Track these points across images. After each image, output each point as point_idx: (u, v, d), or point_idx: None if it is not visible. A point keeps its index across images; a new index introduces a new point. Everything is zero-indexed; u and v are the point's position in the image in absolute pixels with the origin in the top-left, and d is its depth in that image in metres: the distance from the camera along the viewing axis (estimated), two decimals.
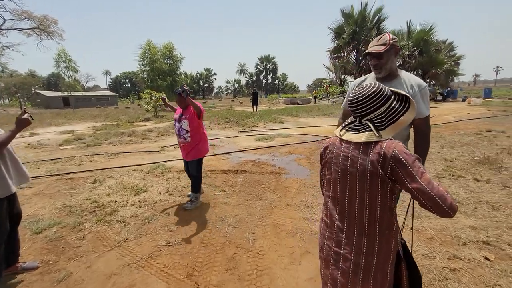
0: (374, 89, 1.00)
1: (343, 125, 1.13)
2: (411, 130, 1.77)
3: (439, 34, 24.45)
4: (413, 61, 23.07)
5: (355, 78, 24.83)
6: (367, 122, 1.02)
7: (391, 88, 1.02)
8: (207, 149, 3.42)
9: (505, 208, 3.00)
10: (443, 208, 0.88)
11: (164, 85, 24.04)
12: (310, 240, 2.49)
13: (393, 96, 1.00)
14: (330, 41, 25.03)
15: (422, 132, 1.71)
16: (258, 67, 77.60)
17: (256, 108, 18.28)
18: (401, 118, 0.97)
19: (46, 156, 6.13)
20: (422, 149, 1.71)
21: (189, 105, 3.15)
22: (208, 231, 2.70)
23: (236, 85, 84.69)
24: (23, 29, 25.29)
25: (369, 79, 1.89)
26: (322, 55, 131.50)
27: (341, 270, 1.11)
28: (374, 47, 1.66)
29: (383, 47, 1.65)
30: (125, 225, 2.87)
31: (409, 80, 1.71)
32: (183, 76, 28.59)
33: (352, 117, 1.10)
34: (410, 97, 0.96)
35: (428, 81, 22.41)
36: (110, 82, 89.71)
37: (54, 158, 5.80)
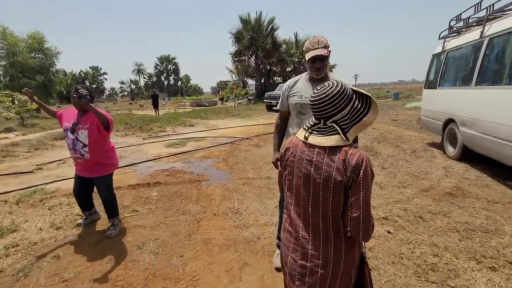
0: (338, 88, 0.93)
1: (306, 126, 1.02)
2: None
3: None
4: (302, 67, 26.70)
5: (256, 81, 26.74)
6: (333, 124, 0.94)
7: (351, 87, 0.98)
8: (117, 161, 2.81)
9: (388, 186, 3.73)
10: (362, 229, 0.91)
11: (33, 85, 18.72)
12: (246, 250, 2.35)
13: (354, 96, 0.96)
14: (232, 45, 25.94)
15: None
16: (158, 67, 72.08)
17: (158, 111, 16.93)
18: (364, 119, 0.94)
19: None
20: None
21: (89, 111, 2.45)
22: (122, 268, 2.15)
23: (134, 86, 76.13)
24: None
25: (302, 81, 1.90)
26: (225, 58, 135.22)
27: (308, 284, 1.01)
28: (318, 50, 1.67)
29: (326, 50, 1.68)
30: None
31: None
32: (61, 75, 23.25)
33: (313, 119, 1.00)
34: (371, 96, 0.93)
35: None
36: None
37: None
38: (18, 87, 17.44)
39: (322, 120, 0.96)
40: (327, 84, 0.96)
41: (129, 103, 39.43)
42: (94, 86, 70.87)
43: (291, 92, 1.91)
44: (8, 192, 3.79)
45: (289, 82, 1.97)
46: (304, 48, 1.77)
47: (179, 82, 78.36)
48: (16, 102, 12.31)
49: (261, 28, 24.88)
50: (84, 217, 2.86)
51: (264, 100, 16.64)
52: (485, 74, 4.02)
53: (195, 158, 5.58)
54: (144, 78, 75.53)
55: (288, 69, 27.91)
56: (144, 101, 39.52)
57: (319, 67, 1.71)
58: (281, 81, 27.78)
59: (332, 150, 0.93)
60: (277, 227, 2.32)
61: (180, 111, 18.67)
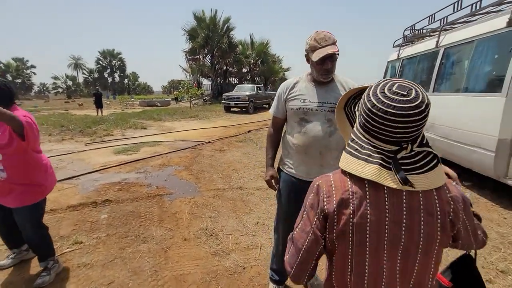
0: (426, 99, 0.60)
1: (380, 161, 0.62)
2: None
3: (274, 48, 29.93)
4: (258, 69, 26.89)
5: (212, 81, 25.95)
6: (426, 149, 0.62)
7: None
8: (50, 185, 2.05)
9: None
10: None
11: None
12: (230, 285, 1.94)
13: None
14: (185, 42, 24.68)
15: None
16: (100, 62, 65.05)
17: (101, 111, 15.10)
18: None
19: None
20: None
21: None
22: None
23: (71, 83, 67.39)
24: None
25: (303, 82, 1.57)
26: (177, 56, 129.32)
27: None
28: (328, 47, 1.36)
29: (336, 47, 1.38)
30: None
31: (347, 83, 1.52)
32: None
33: (387, 145, 0.63)
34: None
35: (269, 86, 26.81)
36: None
37: None
38: None
39: (410, 144, 0.62)
40: (407, 93, 0.60)
41: (65, 102, 34.64)
42: (18, 80, 60.68)
43: (291, 95, 1.58)
44: None
45: (287, 83, 1.64)
46: (307, 47, 1.45)
47: (126, 79, 72.29)
48: None
49: (217, 27, 24.18)
50: (11, 256, 2.14)
51: (222, 101, 16.13)
52: (441, 82, 4.29)
53: (152, 167, 4.88)
54: (84, 74, 67.47)
55: (244, 70, 27.76)
56: (84, 100, 35.09)
57: (329, 68, 1.42)
58: (237, 82, 27.46)
59: (429, 192, 0.61)
60: (270, 254, 1.96)
61: (129, 112, 16.94)
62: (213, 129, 9.55)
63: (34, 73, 64.78)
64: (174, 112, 15.16)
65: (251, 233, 2.62)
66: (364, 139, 0.66)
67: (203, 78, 27.35)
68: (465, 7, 3.90)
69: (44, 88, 71.25)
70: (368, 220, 0.63)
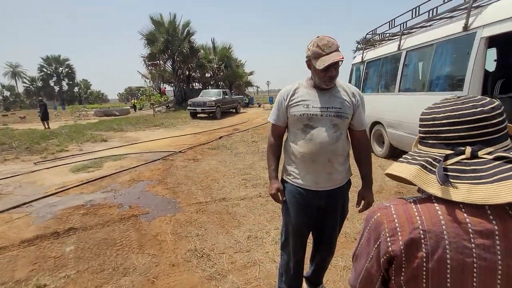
0: (490, 104, 0.56)
1: (421, 162, 0.58)
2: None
3: (236, 53, 29.98)
4: (221, 74, 26.64)
5: (175, 87, 25.00)
6: (502, 154, 0.53)
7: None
8: None
9: None
10: None
11: None
12: None
13: None
14: (143, 47, 23.44)
15: (365, 144, 1.55)
16: (44, 69, 58.63)
17: (48, 124, 13.57)
18: None
19: None
20: (368, 164, 1.54)
21: None
22: None
23: (8, 94, 59.54)
24: None
25: (304, 88, 1.48)
26: (135, 61, 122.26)
27: None
28: (333, 54, 1.29)
29: (341, 54, 1.31)
30: None
31: (349, 89, 1.47)
32: None
33: (440, 149, 0.57)
34: None
35: (233, 91, 26.71)
36: None
37: None
38: None
39: (468, 148, 0.54)
40: (474, 96, 0.57)
41: (3, 115, 30.43)
42: None
43: (293, 102, 1.47)
44: None
45: (287, 89, 1.53)
46: (309, 53, 1.37)
47: (76, 87, 66.31)
48: None
49: (177, 31, 23.37)
50: None
51: (188, 108, 15.55)
52: (406, 82, 4.59)
53: (121, 184, 4.41)
54: (24, 83, 60.28)
55: (208, 75, 27.27)
56: (26, 112, 31.18)
57: (333, 75, 1.35)
58: (201, 87, 26.85)
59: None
60: (277, 272, 1.82)
61: (84, 123, 15.44)
62: (182, 137, 9.11)
63: None
64: (136, 121, 14.20)
65: (245, 249, 2.45)
66: (417, 150, 0.64)
67: (164, 84, 26.22)
68: (422, 13, 4.23)
69: None
70: (448, 266, 0.52)
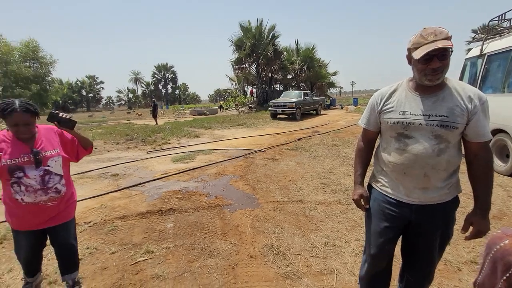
0: None
1: None
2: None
3: (319, 53, 29.21)
4: (303, 75, 26.44)
5: (258, 89, 26.33)
6: None
7: None
8: None
9: None
10: None
11: (28, 95, 18.03)
12: None
13: None
14: (232, 53, 25.61)
15: (483, 160, 1.22)
16: (156, 76, 71.83)
17: (156, 120, 16.42)
18: None
19: None
20: (485, 184, 1.23)
21: (41, 130, 1.76)
22: None
23: (131, 95, 75.56)
24: None
25: (403, 90, 1.32)
26: (223, 66, 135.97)
27: None
28: (438, 42, 1.09)
29: (450, 42, 1.12)
30: None
31: (464, 91, 1.20)
32: (57, 84, 22.64)
33: None
34: None
35: (315, 92, 26.12)
36: None
37: None
38: (12, 97, 16.72)
39: None
40: None
41: (127, 112, 38.76)
42: (90, 95, 70.28)
43: (387, 107, 1.33)
44: None
45: (381, 93, 1.39)
46: (410, 45, 1.21)
47: (177, 90, 78.14)
48: None
49: (262, 35, 24.59)
50: (28, 286, 1.91)
51: (269, 109, 16.14)
52: None
53: (209, 176, 4.97)
54: (142, 86, 75.23)
55: (289, 76, 27.58)
56: (142, 110, 38.87)
57: (438, 67, 1.14)
58: (282, 88, 27.38)
59: None
60: (358, 284, 1.71)
61: (181, 121, 18.07)
62: (262, 136, 9.53)
63: (103, 88, 74.38)
64: (222, 120, 15.67)
65: (321, 255, 2.38)
66: None
67: (248, 86, 27.97)
68: None
69: (110, 101, 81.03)
70: None
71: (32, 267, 1.88)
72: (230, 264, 2.31)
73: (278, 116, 15.84)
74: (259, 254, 2.45)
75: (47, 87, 21.28)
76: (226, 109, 28.27)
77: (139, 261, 2.38)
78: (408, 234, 1.38)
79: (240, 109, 21.80)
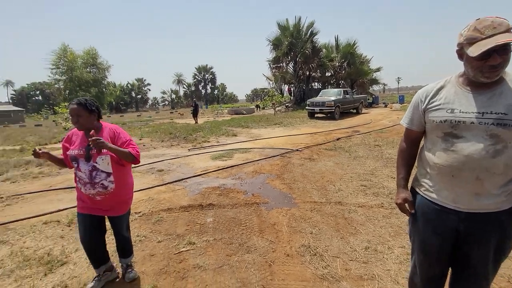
0: None
1: None
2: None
3: (361, 48, 27.64)
4: (343, 72, 25.40)
5: (295, 87, 26.02)
6: None
7: None
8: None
9: None
10: None
11: (88, 97, 20.37)
12: None
13: None
14: (269, 52, 25.68)
15: None
16: (196, 77, 75.46)
17: (197, 120, 17.20)
18: None
19: None
20: None
21: (103, 128, 1.96)
22: None
23: (174, 96, 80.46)
24: None
25: (452, 87, 1.21)
26: (260, 65, 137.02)
27: None
28: (501, 35, 0.97)
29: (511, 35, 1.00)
30: None
31: None
32: (111, 87, 25.13)
33: None
34: None
35: (355, 90, 24.89)
36: (13, 94, 74.15)
37: None
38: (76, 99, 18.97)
39: None
40: None
41: (170, 112, 41.38)
42: (139, 96, 76.50)
43: (433, 105, 1.23)
44: (61, 210, 3.62)
45: (427, 89, 1.29)
46: (462, 40, 1.09)
47: (216, 90, 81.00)
48: None
49: (300, 33, 24.22)
50: (96, 278, 2.07)
51: (306, 108, 15.84)
52: None
53: (246, 174, 5.08)
54: (184, 87, 79.54)
55: (328, 74, 26.73)
56: (183, 110, 41.16)
57: (498, 64, 1.02)
58: (320, 86, 26.67)
59: None
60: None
61: (220, 120, 18.71)
62: (299, 136, 9.41)
63: (150, 90, 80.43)
64: (259, 119, 15.83)
65: (361, 259, 2.29)
66: None
67: (285, 85, 27.80)
68: None
69: (155, 101, 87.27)
70: None
71: (91, 253, 2.03)
72: (266, 261, 2.35)
73: (315, 115, 15.48)
74: (295, 253, 2.44)
75: (104, 89, 23.78)
76: (263, 108, 28.48)
77: (182, 251, 2.55)
78: (458, 245, 1.26)
79: (276, 108, 21.79)
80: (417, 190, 1.36)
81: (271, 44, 24.99)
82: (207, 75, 76.59)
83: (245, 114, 24.60)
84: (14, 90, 74.56)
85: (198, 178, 4.95)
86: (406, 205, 1.38)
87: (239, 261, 2.36)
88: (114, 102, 42.59)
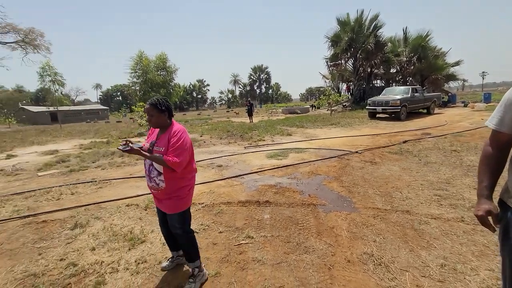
0: None
1: None
2: None
3: (435, 40, 24.17)
4: (412, 67, 22.86)
5: (354, 85, 24.49)
6: None
7: None
8: (189, 201, 2.15)
9: None
10: None
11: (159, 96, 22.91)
12: None
13: None
14: (327, 49, 24.79)
15: None
16: (252, 77, 77.59)
17: (252, 119, 17.62)
18: None
19: (17, 188, 5.03)
20: None
21: (170, 128, 2.01)
22: None
23: (230, 96, 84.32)
24: (7, 43, 24.14)
25: None
26: (315, 64, 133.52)
27: None
28: None
29: None
30: None
31: None
32: (177, 88, 27.68)
33: None
34: None
35: (426, 87, 22.09)
36: (101, 95, 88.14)
37: (27, 191, 4.71)
38: (148, 99, 21.51)
39: None
40: None
41: (226, 111, 43.50)
42: (199, 96, 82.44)
43: None
44: (139, 196, 4.16)
45: None
46: None
47: (270, 90, 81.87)
48: None
49: (362, 27, 22.67)
50: (169, 259, 2.34)
51: (367, 107, 14.78)
52: None
53: (302, 174, 5.02)
54: (239, 87, 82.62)
55: (393, 70, 24.38)
56: (238, 109, 42.78)
57: None
58: (383, 84, 24.55)
59: None
60: None
61: (274, 119, 18.86)
62: (358, 137, 8.85)
63: (209, 90, 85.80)
64: (314, 119, 15.42)
65: (436, 277, 2.04)
66: None
67: (343, 84, 26.42)
68: None
69: (213, 101, 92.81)
70: None
71: (165, 239, 2.31)
72: (325, 264, 2.29)
73: (377, 115, 14.33)
74: (357, 260, 2.32)
75: (171, 90, 26.30)
76: (318, 107, 27.64)
77: (241, 244, 2.67)
78: None
79: (333, 108, 20.87)
80: (508, 202, 1.16)
81: (329, 41, 24.03)
82: (262, 75, 78.03)
83: (299, 113, 24.25)
84: (101, 92, 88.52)
85: (255, 175, 5.09)
86: (490, 218, 1.18)
87: (297, 260, 2.36)
88: (178, 102, 47.03)
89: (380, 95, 14.98)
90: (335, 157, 6.16)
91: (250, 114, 18.21)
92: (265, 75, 78.61)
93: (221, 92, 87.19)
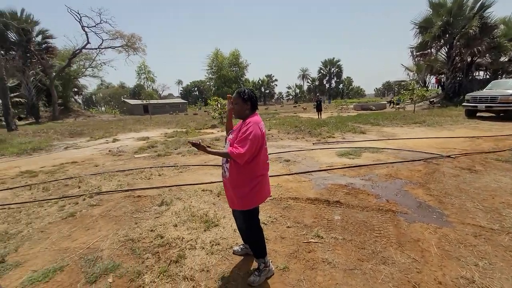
0: None
1: None
2: None
3: None
4: None
5: (447, 78, 20.84)
6: None
7: None
8: (264, 196, 2.08)
9: None
10: None
11: (230, 92, 24.43)
12: None
13: None
14: (413, 37, 21.69)
15: None
16: (322, 71, 74.43)
17: (320, 115, 16.91)
18: None
19: (120, 166, 6.10)
20: None
21: (248, 119, 2.00)
22: None
23: (298, 91, 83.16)
24: (115, 47, 29.42)
25: None
26: (394, 56, 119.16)
27: None
28: None
29: None
30: (193, 286, 2.05)
31: None
32: (247, 83, 28.83)
33: None
34: None
35: None
36: (181, 90, 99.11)
37: (126, 169, 5.66)
38: (221, 94, 23.13)
39: None
40: None
41: (293, 106, 43.07)
42: (267, 91, 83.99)
43: None
44: (213, 182, 4.49)
45: None
46: None
47: (341, 84, 77.24)
48: (219, 105, 16.18)
49: (463, 8, 18.95)
50: (241, 246, 2.46)
51: (463, 104, 12.39)
52: None
53: (378, 176, 4.54)
54: (308, 82, 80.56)
55: (504, 58, 19.71)
56: (306, 104, 41.79)
57: None
58: (487, 76, 20.15)
59: None
60: None
61: (344, 115, 17.72)
62: (451, 139, 7.49)
63: (276, 85, 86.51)
64: (393, 116, 13.81)
65: None
66: None
67: (431, 76, 22.80)
68: None
69: (280, 96, 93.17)
70: None
71: (239, 230, 2.41)
72: (409, 281, 2.00)
73: (478, 113, 11.87)
74: (452, 284, 1.95)
75: (242, 85, 27.65)
76: (397, 104, 24.67)
77: (310, 242, 2.58)
78: None
79: (417, 104, 18.26)
80: None
81: (417, 27, 20.98)
82: (333, 69, 74.05)
83: (374, 110, 22.11)
84: (182, 87, 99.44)
85: (324, 173, 4.87)
86: None
87: (373, 270, 2.14)
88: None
89: (485, 89, 12.31)
90: (419, 160, 5.37)
91: (319, 109, 17.58)
92: (337, 69, 74.29)
93: (289, 87, 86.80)
